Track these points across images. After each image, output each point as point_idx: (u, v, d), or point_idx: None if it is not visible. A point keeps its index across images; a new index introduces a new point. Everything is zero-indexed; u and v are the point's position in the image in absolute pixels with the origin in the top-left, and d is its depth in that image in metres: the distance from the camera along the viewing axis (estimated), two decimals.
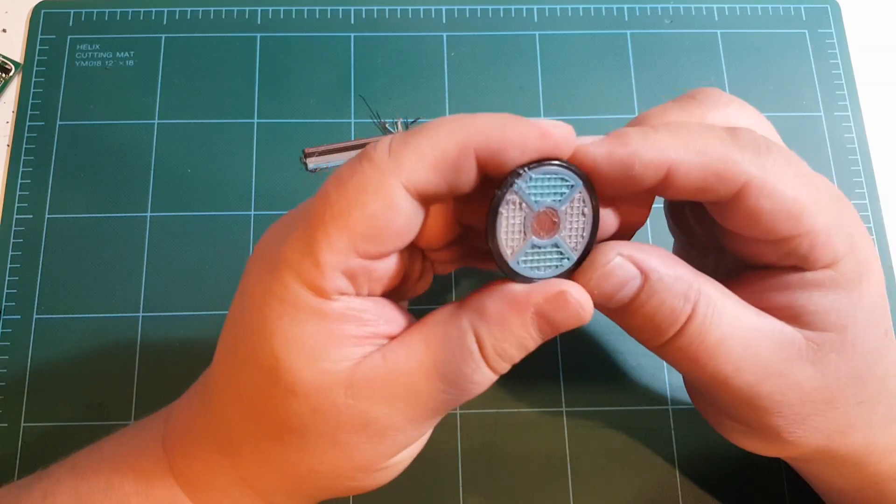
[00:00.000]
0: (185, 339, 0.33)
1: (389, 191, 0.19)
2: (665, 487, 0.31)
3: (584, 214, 0.20)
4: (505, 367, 0.21)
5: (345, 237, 0.19)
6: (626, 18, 0.39)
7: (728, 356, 0.20)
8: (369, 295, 0.20)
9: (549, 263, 0.21)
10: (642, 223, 0.22)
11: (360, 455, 0.21)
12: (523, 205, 0.20)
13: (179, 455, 0.23)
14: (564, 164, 0.20)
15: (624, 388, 0.33)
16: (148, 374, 0.32)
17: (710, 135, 0.20)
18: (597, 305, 0.21)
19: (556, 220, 0.20)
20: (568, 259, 0.21)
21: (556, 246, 0.20)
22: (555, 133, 0.19)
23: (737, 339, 0.20)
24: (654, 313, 0.20)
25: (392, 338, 0.21)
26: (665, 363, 0.33)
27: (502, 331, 0.20)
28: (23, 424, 0.32)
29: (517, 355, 0.20)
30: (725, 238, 0.23)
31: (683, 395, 0.33)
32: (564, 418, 0.32)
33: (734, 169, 0.20)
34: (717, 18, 0.39)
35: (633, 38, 0.38)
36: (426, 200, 0.20)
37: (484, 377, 0.20)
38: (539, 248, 0.20)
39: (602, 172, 0.20)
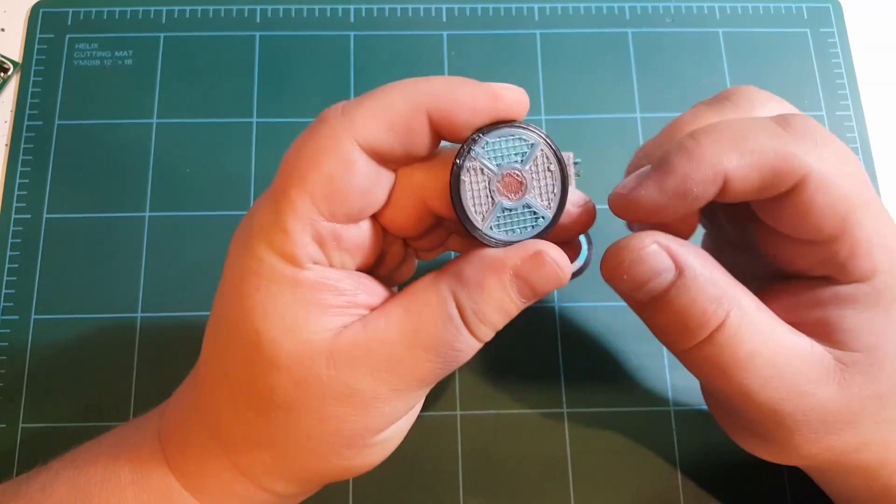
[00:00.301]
0: (184, 339, 0.33)
1: (343, 148, 0.19)
2: (666, 489, 0.31)
3: (550, 171, 0.20)
4: (487, 333, 0.20)
5: (306, 199, 0.19)
6: (628, 17, 0.39)
7: (756, 371, 0.20)
8: (343, 268, 0.20)
9: (523, 225, 0.20)
10: (693, 232, 0.22)
11: (347, 428, 0.20)
12: (484, 169, 0.20)
13: (173, 444, 0.23)
14: (520, 125, 0.20)
15: (625, 389, 0.33)
16: (146, 375, 0.32)
17: (761, 130, 0.19)
18: (625, 294, 0.21)
19: (521, 180, 0.20)
20: (543, 218, 0.20)
21: (528, 206, 0.20)
22: (506, 95, 0.19)
23: (767, 356, 0.20)
24: (685, 312, 0.20)
25: (373, 309, 0.20)
26: (666, 364, 0.33)
27: (481, 294, 0.19)
28: (21, 425, 0.32)
29: (499, 320, 0.20)
30: (761, 239, 0.22)
31: (685, 396, 0.33)
32: (565, 419, 0.32)
33: (793, 162, 0.19)
34: (718, 17, 0.39)
35: (634, 37, 0.38)
36: (384, 161, 0.20)
37: (466, 344, 0.20)
38: (510, 210, 0.20)
39: (659, 214, 0.19)
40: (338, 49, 0.38)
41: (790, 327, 0.20)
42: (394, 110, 0.19)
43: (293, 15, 0.38)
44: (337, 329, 0.20)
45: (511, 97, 0.19)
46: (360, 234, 0.20)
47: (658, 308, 0.20)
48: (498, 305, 0.20)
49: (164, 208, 0.35)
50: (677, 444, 0.32)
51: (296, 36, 0.38)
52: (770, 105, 0.22)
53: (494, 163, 0.20)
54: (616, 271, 0.20)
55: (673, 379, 0.33)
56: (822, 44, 0.39)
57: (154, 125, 0.36)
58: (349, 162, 0.19)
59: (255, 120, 0.36)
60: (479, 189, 0.20)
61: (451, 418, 0.32)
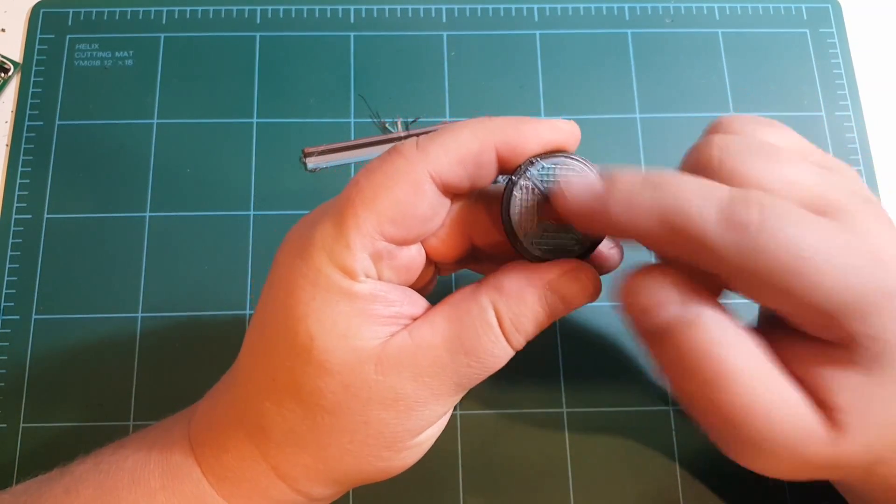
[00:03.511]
0: (185, 339, 0.33)
1: (416, 177, 0.20)
2: (666, 488, 0.31)
3: None
4: (521, 342, 0.22)
5: (373, 219, 0.20)
6: (627, 18, 0.39)
7: (752, 422, 0.20)
8: (390, 282, 0.22)
9: (563, 247, 0.22)
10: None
11: (389, 431, 0.22)
12: (535, 190, 0.21)
13: (208, 449, 0.23)
14: (574, 157, 0.22)
15: (625, 388, 0.33)
16: (147, 375, 0.32)
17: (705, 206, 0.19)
18: (636, 323, 0.21)
19: None
20: (580, 244, 0.22)
21: (568, 231, 0.22)
22: (563, 128, 0.22)
23: (760, 407, 0.19)
24: (683, 355, 0.20)
25: (415, 319, 0.22)
26: None
27: (519, 304, 0.21)
28: (22, 425, 0.32)
29: (532, 329, 0.22)
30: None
31: None
32: (565, 419, 0.32)
33: (753, 251, 0.19)
34: (717, 18, 0.39)
35: (633, 38, 0.38)
36: (449, 191, 0.21)
37: (503, 350, 0.22)
38: (551, 231, 0.22)
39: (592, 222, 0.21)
40: (338, 49, 0.38)
41: (786, 380, 0.20)
42: (465, 146, 0.21)
43: (293, 15, 0.38)
44: (385, 337, 0.21)
45: (567, 129, 0.22)
46: (410, 254, 0.22)
47: (664, 345, 0.21)
48: (533, 316, 0.21)
49: (164, 208, 0.35)
50: (677, 444, 0.32)
51: (296, 36, 0.38)
52: (760, 131, 0.21)
53: (545, 185, 0.21)
54: (626, 299, 0.21)
55: None
56: (822, 44, 0.39)
57: (154, 125, 0.36)
58: (420, 190, 0.21)
59: (255, 120, 0.36)
60: (527, 206, 0.22)
61: (452, 418, 0.32)
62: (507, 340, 0.22)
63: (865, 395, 0.19)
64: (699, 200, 0.19)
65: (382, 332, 0.21)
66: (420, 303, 0.22)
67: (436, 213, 0.21)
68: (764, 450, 0.20)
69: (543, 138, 0.21)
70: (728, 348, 0.19)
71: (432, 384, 0.21)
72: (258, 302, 0.23)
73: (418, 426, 0.22)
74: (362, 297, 0.21)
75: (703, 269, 0.20)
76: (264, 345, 0.22)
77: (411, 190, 0.20)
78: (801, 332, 0.20)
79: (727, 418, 0.20)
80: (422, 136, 0.21)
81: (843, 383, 0.19)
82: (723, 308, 0.20)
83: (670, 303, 0.20)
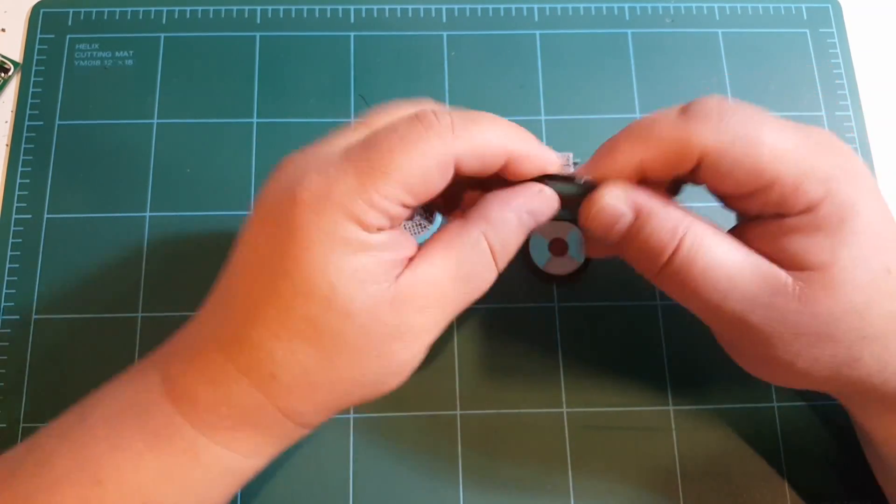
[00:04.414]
0: None
1: (446, 160, 0.23)
2: (666, 489, 0.31)
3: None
4: (505, 263, 0.25)
5: (399, 187, 0.22)
6: (627, 18, 0.39)
7: (714, 285, 0.23)
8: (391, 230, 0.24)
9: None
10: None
11: (398, 361, 0.24)
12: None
13: (200, 403, 0.24)
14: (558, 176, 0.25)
15: (625, 388, 0.33)
16: None
17: (663, 122, 0.24)
18: (602, 239, 0.25)
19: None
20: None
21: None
22: (556, 162, 0.25)
23: (722, 271, 0.23)
24: (647, 244, 0.24)
25: (410, 259, 0.24)
26: (665, 364, 0.33)
27: (504, 230, 0.24)
28: (21, 425, 0.32)
29: (513, 249, 0.25)
30: (714, 194, 0.25)
31: (684, 395, 0.33)
32: (565, 418, 0.32)
33: (688, 143, 0.23)
34: (717, 18, 0.39)
35: (633, 38, 0.38)
36: (460, 173, 0.24)
37: (492, 274, 0.24)
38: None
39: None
40: (338, 49, 0.38)
41: (749, 251, 0.24)
42: (492, 148, 0.24)
43: (293, 15, 0.38)
44: (393, 279, 0.23)
45: (558, 164, 0.25)
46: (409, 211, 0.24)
47: (627, 245, 0.25)
48: (515, 237, 0.24)
49: (164, 208, 0.35)
50: (677, 442, 0.32)
51: (296, 36, 0.38)
52: (729, 112, 0.24)
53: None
54: (588, 222, 0.25)
55: (673, 379, 0.33)
56: (822, 44, 0.39)
57: (154, 125, 0.36)
58: (446, 171, 0.23)
59: (255, 120, 0.36)
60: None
61: (451, 418, 0.32)
62: (496, 264, 0.24)
63: (835, 248, 0.22)
64: (665, 117, 0.24)
65: (392, 274, 0.23)
66: (411, 243, 0.24)
67: (444, 185, 0.24)
68: (737, 314, 0.23)
69: (541, 169, 0.25)
70: (677, 233, 0.23)
71: (436, 313, 0.24)
72: (244, 252, 0.24)
73: (422, 352, 0.24)
74: (376, 246, 0.23)
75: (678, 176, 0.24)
76: (282, 296, 0.23)
77: (439, 171, 0.23)
78: (765, 221, 0.24)
79: (692, 290, 0.24)
80: (456, 118, 0.23)
81: (813, 245, 0.23)
82: (670, 202, 0.24)
83: (622, 214, 0.24)
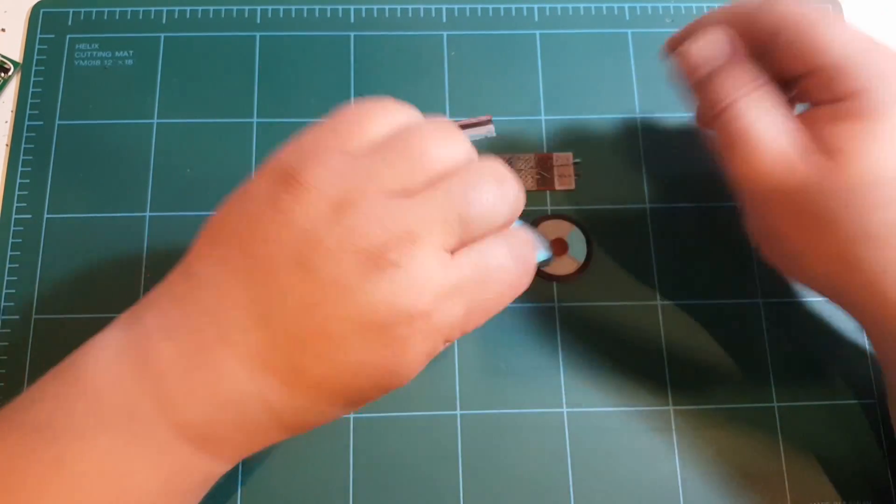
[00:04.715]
0: None
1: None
2: (666, 489, 0.31)
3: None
4: None
5: None
6: (627, 17, 0.39)
7: (747, 144, 0.26)
8: None
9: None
10: None
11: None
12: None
13: (209, 420, 0.22)
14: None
15: (625, 387, 0.33)
16: None
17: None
18: (688, 66, 0.28)
19: None
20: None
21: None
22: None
23: (763, 130, 0.25)
24: (721, 88, 0.27)
25: None
26: (666, 364, 0.33)
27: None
28: None
29: None
30: (783, 78, 0.27)
31: (685, 396, 0.33)
32: (565, 419, 0.32)
33: (767, 11, 0.26)
34: None
35: (633, 38, 0.38)
36: None
37: None
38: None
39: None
40: (338, 49, 0.38)
41: (794, 126, 0.26)
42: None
43: (293, 15, 0.38)
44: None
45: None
46: None
47: (708, 85, 0.27)
48: None
49: (164, 208, 0.35)
50: (677, 443, 0.32)
51: (296, 36, 0.38)
52: None
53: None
54: (685, 55, 0.28)
55: (673, 379, 0.33)
56: None
57: (154, 125, 0.36)
58: None
59: (255, 120, 0.36)
60: None
61: (451, 418, 0.32)
62: None
63: (861, 137, 0.24)
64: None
65: None
66: None
67: None
68: (758, 177, 0.26)
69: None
70: (736, 95, 0.26)
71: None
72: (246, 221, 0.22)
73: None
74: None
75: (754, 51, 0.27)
76: (311, 288, 0.21)
77: None
78: (820, 105, 0.25)
79: (730, 145, 0.26)
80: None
81: (842, 131, 0.24)
82: (758, 73, 0.27)
83: (715, 57, 0.27)
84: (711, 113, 0.27)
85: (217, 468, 0.23)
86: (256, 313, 0.21)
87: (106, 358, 0.23)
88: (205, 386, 0.21)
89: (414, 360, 0.22)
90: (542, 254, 0.31)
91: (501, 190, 0.23)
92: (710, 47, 0.27)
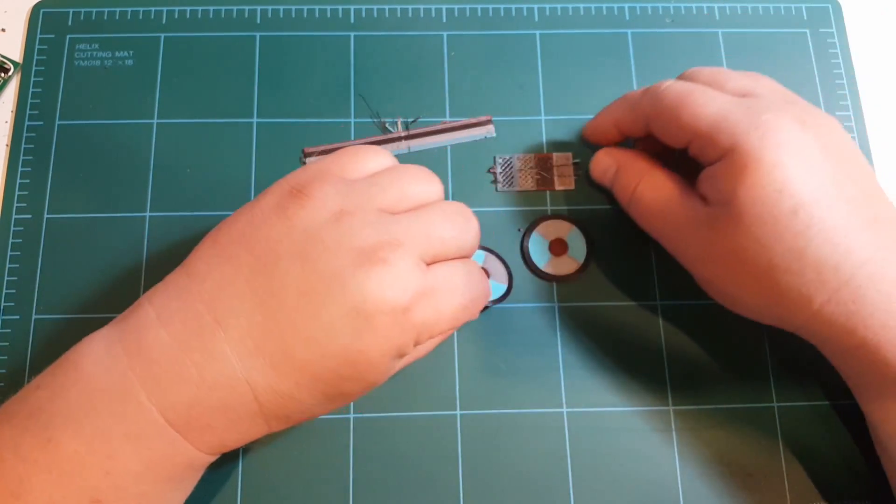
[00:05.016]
0: None
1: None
2: (666, 489, 0.31)
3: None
4: None
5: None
6: (627, 17, 0.39)
7: (656, 216, 0.30)
8: None
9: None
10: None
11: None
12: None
13: (215, 422, 0.24)
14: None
15: (625, 388, 0.33)
16: None
17: (632, 95, 0.33)
18: (601, 183, 0.34)
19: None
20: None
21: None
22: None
23: (660, 203, 0.30)
24: (621, 184, 0.32)
25: None
26: (665, 364, 0.33)
27: None
28: None
29: None
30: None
31: (684, 395, 0.33)
32: (565, 419, 0.32)
33: (638, 110, 0.31)
34: (717, 18, 0.39)
35: (633, 38, 0.38)
36: None
37: None
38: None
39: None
40: (338, 49, 0.38)
41: (686, 191, 0.30)
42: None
43: (293, 15, 0.38)
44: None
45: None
46: None
47: (614, 186, 0.33)
48: None
49: (164, 208, 0.35)
50: (677, 443, 0.32)
51: (296, 36, 0.38)
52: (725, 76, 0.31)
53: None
54: (591, 172, 0.34)
55: (673, 379, 0.33)
56: (822, 44, 0.39)
57: (154, 125, 0.36)
58: None
59: (255, 120, 0.36)
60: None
61: (451, 418, 0.32)
62: None
63: (733, 193, 0.27)
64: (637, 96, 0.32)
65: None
66: None
67: None
68: (671, 237, 0.30)
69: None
70: (635, 179, 0.31)
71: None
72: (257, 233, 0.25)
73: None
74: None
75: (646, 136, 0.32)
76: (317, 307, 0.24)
77: None
78: (708, 166, 0.28)
79: (643, 217, 0.31)
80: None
81: (726, 185, 0.27)
82: (641, 157, 0.32)
83: (608, 167, 0.33)
84: (625, 201, 0.32)
85: (199, 458, 0.25)
86: (255, 301, 0.24)
87: (101, 349, 0.25)
88: (193, 367, 0.23)
89: (389, 351, 0.24)
90: (498, 287, 0.33)
91: (468, 224, 0.27)
92: (603, 164, 0.34)
